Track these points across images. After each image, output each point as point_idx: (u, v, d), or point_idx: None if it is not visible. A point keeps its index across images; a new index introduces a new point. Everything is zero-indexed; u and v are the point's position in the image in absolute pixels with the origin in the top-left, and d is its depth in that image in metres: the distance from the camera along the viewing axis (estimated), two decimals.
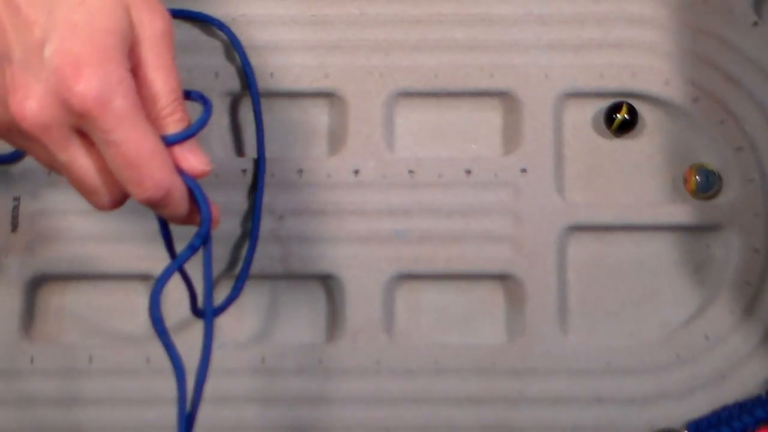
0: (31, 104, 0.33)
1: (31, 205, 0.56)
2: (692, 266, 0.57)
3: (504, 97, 0.58)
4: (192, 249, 0.40)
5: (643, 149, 0.58)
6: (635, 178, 0.57)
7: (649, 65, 0.56)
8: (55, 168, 0.37)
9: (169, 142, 0.36)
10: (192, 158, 0.37)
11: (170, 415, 0.54)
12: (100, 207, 0.38)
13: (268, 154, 0.57)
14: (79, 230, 0.55)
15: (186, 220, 0.39)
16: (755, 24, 0.57)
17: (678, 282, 0.57)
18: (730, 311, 0.55)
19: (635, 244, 0.57)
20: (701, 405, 0.54)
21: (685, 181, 0.56)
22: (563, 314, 0.56)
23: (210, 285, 0.42)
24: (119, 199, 0.38)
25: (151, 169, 0.35)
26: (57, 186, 0.56)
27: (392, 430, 0.54)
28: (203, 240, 0.40)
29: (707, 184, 0.55)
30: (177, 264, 0.40)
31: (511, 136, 0.58)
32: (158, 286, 0.40)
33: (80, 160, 0.36)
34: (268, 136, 0.57)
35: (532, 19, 0.58)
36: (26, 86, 0.33)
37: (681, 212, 0.56)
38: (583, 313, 0.57)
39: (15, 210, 0.55)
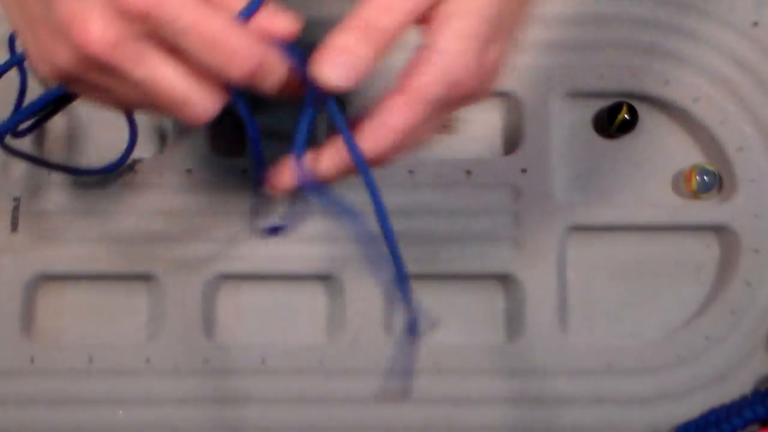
0: (94, 27, 0.31)
1: (31, 205, 0.56)
2: (692, 266, 0.57)
3: (504, 97, 0.58)
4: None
5: (643, 149, 0.58)
6: (635, 178, 0.57)
7: (649, 65, 0.56)
8: (141, 100, 0.34)
9: (244, 16, 0.33)
10: (275, 21, 0.33)
11: (170, 415, 0.55)
12: (199, 117, 0.34)
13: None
14: (79, 230, 0.55)
15: (290, 90, 0.36)
16: (755, 24, 0.57)
17: (678, 282, 0.57)
18: (731, 311, 0.55)
19: (635, 244, 0.57)
20: (701, 405, 0.54)
21: (686, 181, 0.56)
22: (563, 314, 0.56)
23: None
24: (215, 98, 0.34)
25: (234, 42, 0.32)
26: (57, 186, 0.56)
27: (392, 430, 0.54)
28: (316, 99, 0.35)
29: (707, 184, 0.55)
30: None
31: (511, 136, 0.58)
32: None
33: (161, 68, 0.33)
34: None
35: (532, 20, 0.57)
36: (82, 12, 0.32)
37: (681, 212, 0.56)
38: (583, 313, 0.57)
39: (15, 210, 0.55)
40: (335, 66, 0.32)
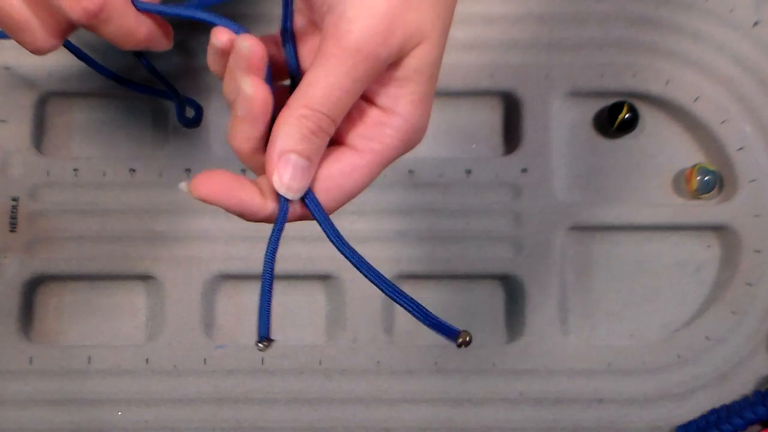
0: (46, 43, 0.34)
1: (30, 205, 0.55)
2: (693, 266, 0.57)
3: (504, 97, 0.58)
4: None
5: (643, 149, 0.58)
6: (635, 178, 0.57)
7: (649, 65, 0.56)
8: None
9: None
10: None
11: (169, 415, 0.55)
12: (35, 47, 0.35)
13: None
14: (78, 230, 0.55)
15: (145, 43, 0.35)
16: (755, 24, 0.57)
17: (678, 282, 0.57)
18: (731, 312, 0.55)
19: (635, 244, 0.57)
20: (702, 405, 0.54)
21: (686, 181, 0.56)
22: (563, 314, 0.56)
23: None
24: (54, 31, 0.34)
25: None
26: (56, 186, 0.56)
27: (392, 430, 0.54)
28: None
29: (708, 184, 0.55)
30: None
31: (511, 136, 0.58)
32: None
33: None
34: None
35: (532, 19, 0.57)
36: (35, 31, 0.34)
37: (681, 212, 0.56)
38: (583, 313, 0.57)
39: (13, 210, 0.55)
40: (290, 179, 0.31)
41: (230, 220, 0.56)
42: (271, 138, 0.31)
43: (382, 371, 0.55)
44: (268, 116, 0.32)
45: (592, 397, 0.55)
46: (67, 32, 0.35)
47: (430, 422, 0.55)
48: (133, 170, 0.56)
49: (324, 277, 0.56)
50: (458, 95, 0.58)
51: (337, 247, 0.34)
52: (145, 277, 0.56)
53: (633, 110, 0.56)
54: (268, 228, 0.55)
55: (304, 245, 0.55)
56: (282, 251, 0.55)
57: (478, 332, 0.56)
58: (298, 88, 0.31)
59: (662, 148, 0.58)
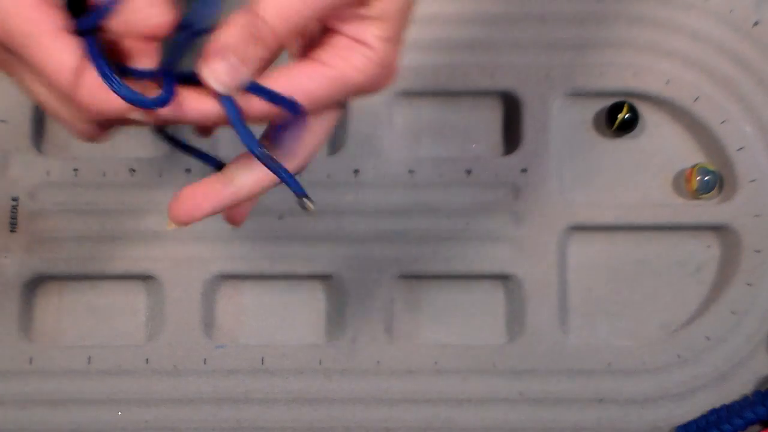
0: (84, 133, 0.33)
1: (30, 205, 0.55)
2: (693, 266, 0.57)
3: (504, 97, 0.58)
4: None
5: (643, 149, 0.58)
6: (635, 178, 0.57)
7: (649, 65, 0.56)
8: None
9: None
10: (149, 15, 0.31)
11: (169, 415, 0.54)
12: (82, 137, 0.34)
13: None
14: (78, 230, 0.55)
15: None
16: (755, 24, 0.57)
17: (678, 282, 0.57)
18: (731, 312, 0.55)
19: (635, 244, 0.57)
20: (702, 405, 0.54)
21: (687, 181, 0.56)
22: (563, 314, 0.56)
23: None
24: (90, 127, 0.34)
25: (82, 97, 0.31)
26: (56, 186, 0.56)
27: (392, 430, 0.54)
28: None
29: (708, 184, 0.55)
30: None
31: (511, 136, 0.58)
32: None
33: (33, 86, 0.34)
34: None
35: (532, 19, 0.57)
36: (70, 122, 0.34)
37: (681, 212, 0.56)
38: (583, 313, 0.57)
39: (13, 210, 0.55)
40: (220, 70, 0.31)
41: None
42: (213, 38, 0.31)
43: (382, 371, 0.55)
44: None
45: (592, 397, 0.54)
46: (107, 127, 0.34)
47: (430, 422, 0.54)
48: (133, 170, 0.56)
49: (324, 277, 0.56)
50: (458, 95, 0.58)
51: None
52: (145, 277, 0.56)
53: (633, 110, 0.56)
54: (267, 228, 0.55)
55: (304, 245, 0.55)
56: (282, 251, 0.56)
57: (478, 332, 0.56)
58: None
59: (662, 148, 0.57)
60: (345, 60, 0.33)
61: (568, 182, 0.57)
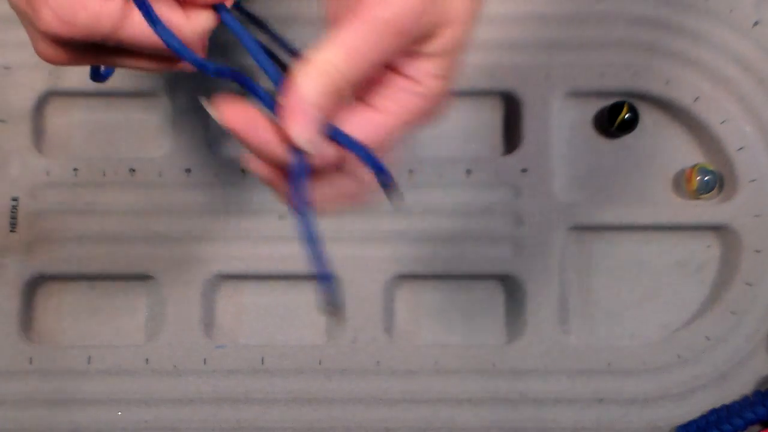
0: (42, 51, 0.34)
1: (30, 205, 0.55)
2: (693, 266, 0.57)
3: (504, 97, 0.58)
4: None
5: (643, 149, 0.58)
6: (635, 178, 0.57)
7: (649, 65, 0.56)
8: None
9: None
10: None
11: (169, 415, 0.55)
12: (38, 53, 0.35)
13: None
14: (78, 230, 0.55)
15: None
16: (755, 24, 0.57)
17: (678, 282, 0.57)
18: (731, 312, 0.55)
19: (635, 244, 0.57)
20: (702, 405, 0.54)
21: (687, 181, 0.56)
22: (563, 314, 0.56)
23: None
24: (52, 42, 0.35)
25: (153, 41, 0.33)
26: (56, 186, 0.56)
27: (392, 430, 0.54)
28: None
29: (708, 184, 0.55)
30: None
31: (511, 136, 0.58)
32: None
33: (127, 62, 0.35)
34: None
35: (532, 19, 0.57)
36: (32, 40, 0.34)
37: (681, 212, 0.56)
38: (583, 313, 0.57)
39: (13, 210, 0.55)
40: (303, 128, 0.31)
41: (230, 220, 0.56)
42: (289, 90, 0.31)
43: (382, 371, 0.55)
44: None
45: (592, 397, 0.55)
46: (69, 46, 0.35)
47: (430, 422, 0.54)
48: (133, 170, 0.56)
49: None
50: (458, 95, 0.58)
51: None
52: (145, 277, 0.56)
53: (633, 110, 0.56)
54: (266, 228, 0.55)
55: (304, 245, 0.55)
56: (282, 251, 0.56)
57: (478, 332, 0.56)
58: (323, 43, 0.31)
59: (662, 148, 0.57)
60: (399, 104, 0.33)
61: (568, 182, 0.57)
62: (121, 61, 0.35)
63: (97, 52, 0.34)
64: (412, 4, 0.31)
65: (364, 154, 0.32)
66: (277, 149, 0.32)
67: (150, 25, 0.32)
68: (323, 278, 0.33)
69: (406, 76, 0.33)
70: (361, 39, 0.31)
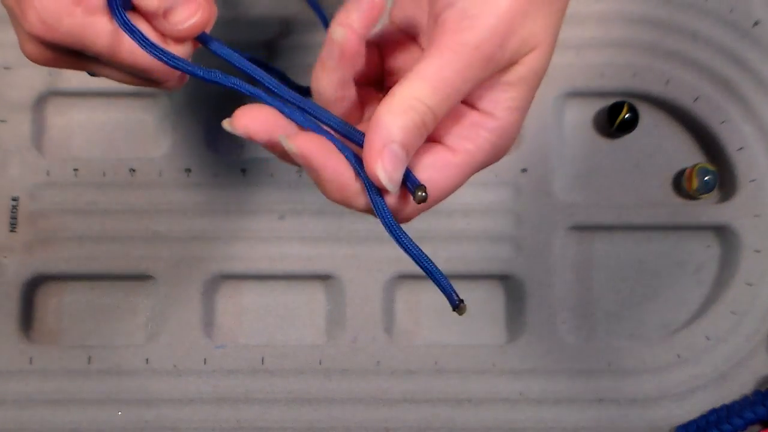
0: (26, 51, 0.35)
1: (30, 205, 0.55)
2: (692, 266, 0.57)
3: None
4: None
5: (643, 149, 0.58)
6: (635, 178, 0.57)
7: (649, 65, 0.56)
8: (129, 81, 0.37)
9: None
10: (180, 13, 0.33)
11: (169, 415, 0.54)
12: (164, 88, 0.36)
13: (268, 154, 0.57)
14: (78, 230, 0.55)
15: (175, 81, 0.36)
16: (755, 24, 0.57)
17: (678, 282, 0.57)
18: (731, 312, 0.55)
19: (635, 244, 0.57)
20: (702, 405, 0.54)
21: (687, 181, 0.56)
22: (563, 314, 0.56)
23: None
24: (170, 78, 0.35)
25: (147, 66, 0.33)
26: (56, 186, 0.56)
27: (392, 430, 0.54)
28: None
29: (708, 184, 0.55)
30: None
31: None
32: None
33: (105, 71, 0.35)
34: None
35: None
36: (19, 39, 0.35)
37: (681, 212, 0.56)
38: (583, 313, 0.57)
39: (13, 210, 0.55)
40: (390, 167, 0.30)
41: (230, 220, 0.56)
42: (373, 125, 0.29)
43: (382, 371, 0.55)
44: (356, 62, 0.31)
45: (592, 397, 0.55)
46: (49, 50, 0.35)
47: (430, 422, 0.54)
48: (133, 170, 0.56)
49: (324, 277, 0.56)
50: None
51: (403, 248, 0.32)
52: (145, 277, 0.56)
53: (633, 110, 0.56)
54: (266, 228, 0.55)
55: (304, 245, 0.55)
56: (282, 251, 0.56)
57: (478, 332, 0.56)
58: (406, 77, 0.30)
59: (662, 148, 0.57)
60: (476, 143, 0.31)
61: (568, 182, 0.57)
62: (101, 70, 0.35)
63: (80, 58, 0.34)
64: (499, 25, 0.29)
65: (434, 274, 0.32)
66: (350, 181, 0.30)
67: (144, 48, 0.32)
68: (441, 282, 0.33)
69: (480, 110, 0.31)
70: (448, 69, 0.29)
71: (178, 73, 0.35)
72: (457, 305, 0.32)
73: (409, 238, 0.32)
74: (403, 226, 0.33)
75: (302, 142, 0.30)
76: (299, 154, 0.30)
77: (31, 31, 0.32)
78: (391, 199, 0.32)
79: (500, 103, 0.31)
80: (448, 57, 0.29)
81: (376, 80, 0.35)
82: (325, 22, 0.45)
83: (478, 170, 0.33)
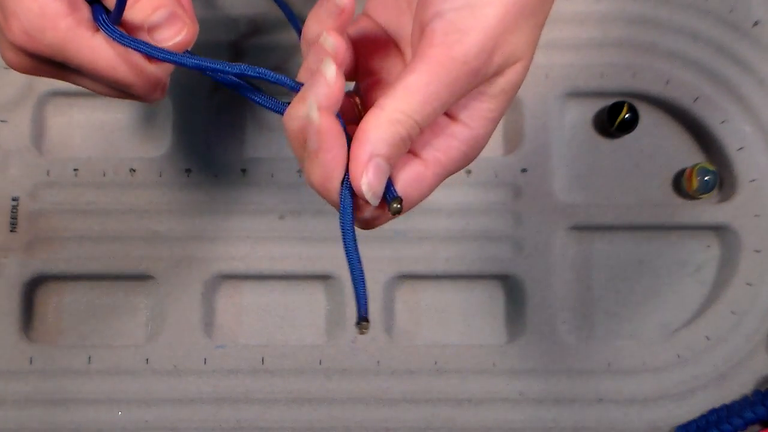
0: (7, 58, 0.34)
1: (30, 205, 0.55)
2: (692, 266, 0.57)
3: None
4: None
5: (643, 149, 0.58)
6: (635, 178, 0.57)
7: (649, 65, 0.56)
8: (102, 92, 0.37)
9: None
10: (165, 32, 0.34)
11: (169, 415, 0.54)
12: (143, 101, 0.37)
13: (268, 154, 0.57)
14: (78, 230, 0.55)
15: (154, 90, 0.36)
16: (755, 24, 0.57)
17: (678, 282, 0.57)
18: (731, 312, 0.55)
19: (635, 244, 0.57)
20: (702, 405, 0.54)
21: (687, 181, 0.56)
22: (563, 314, 0.56)
23: None
24: (150, 93, 0.35)
25: (128, 80, 0.34)
26: (56, 186, 0.56)
27: (392, 430, 0.54)
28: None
29: (708, 184, 0.55)
30: None
31: (511, 136, 0.58)
32: None
33: (84, 82, 0.35)
34: (267, 136, 0.57)
35: None
36: (0, 46, 0.35)
37: (681, 212, 0.56)
38: (583, 313, 0.57)
39: (13, 210, 0.55)
40: (373, 180, 0.30)
41: (230, 220, 0.56)
42: (358, 137, 0.30)
43: (382, 371, 0.55)
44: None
45: (592, 397, 0.55)
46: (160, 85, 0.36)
47: (430, 422, 0.54)
48: (133, 170, 0.56)
49: (324, 277, 0.56)
50: None
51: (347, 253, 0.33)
52: (145, 277, 0.56)
53: (633, 110, 0.56)
54: (266, 228, 0.55)
55: (304, 245, 0.55)
56: (282, 251, 0.56)
57: (478, 332, 0.56)
58: (393, 89, 0.30)
59: (662, 148, 0.57)
60: (448, 154, 0.31)
61: (568, 182, 0.57)
62: (81, 81, 0.35)
63: (61, 68, 0.35)
64: (486, 39, 0.29)
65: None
66: (339, 175, 0.31)
67: (128, 45, 0.33)
68: (360, 292, 0.33)
69: (456, 119, 0.32)
70: (436, 83, 0.29)
71: (158, 86, 0.36)
72: (360, 321, 0.32)
73: (356, 245, 0.33)
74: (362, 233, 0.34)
75: (328, 118, 0.30)
76: (320, 128, 0.29)
77: (14, 41, 0.33)
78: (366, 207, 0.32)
79: (477, 113, 0.31)
80: (437, 71, 0.29)
81: (348, 77, 0.35)
82: (296, 25, 0.47)
83: (445, 179, 0.33)
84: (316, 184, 0.31)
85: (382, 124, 0.29)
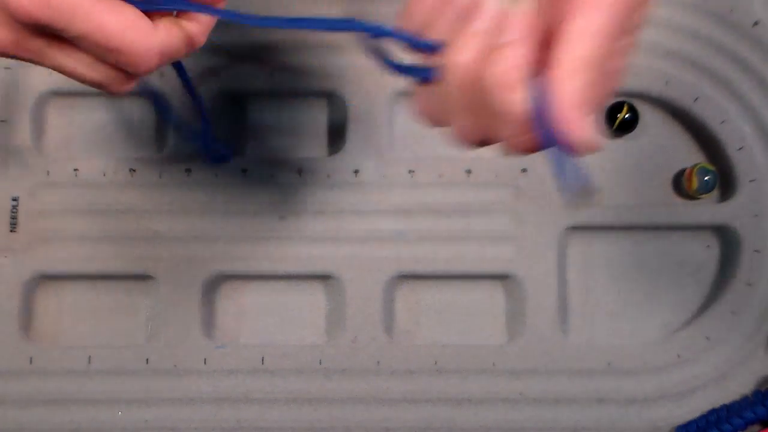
0: None
1: (30, 204, 0.55)
2: (692, 266, 0.57)
3: None
4: None
5: (643, 149, 0.58)
6: (635, 178, 0.57)
7: (649, 65, 0.56)
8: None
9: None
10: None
11: (169, 415, 0.54)
12: (116, 93, 0.37)
13: (268, 153, 0.57)
14: (78, 230, 0.55)
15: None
16: (755, 24, 0.57)
17: (678, 282, 0.57)
18: (731, 312, 0.55)
19: (635, 244, 0.57)
20: (702, 405, 0.54)
21: (686, 181, 0.56)
22: (563, 314, 0.56)
23: None
24: (128, 80, 0.36)
25: (133, 47, 0.33)
26: (56, 186, 0.56)
27: (392, 430, 0.54)
28: None
29: (707, 184, 0.55)
30: None
31: None
32: None
33: (66, 61, 0.35)
34: (267, 136, 0.57)
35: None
36: None
37: (681, 212, 0.56)
38: (583, 313, 0.57)
39: (13, 210, 0.55)
40: (583, 132, 0.30)
41: (230, 220, 0.56)
42: (555, 99, 0.30)
43: (382, 371, 0.55)
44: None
45: (592, 397, 0.55)
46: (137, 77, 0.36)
47: (430, 422, 0.54)
48: (133, 170, 0.56)
49: (324, 277, 0.56)
50: None
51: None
52: (145, 277, 0.56)
53: (633, 110, 0.56)
54: (266, 229, 0.55)
55: (304, 245, 0.55)
56: (282, 251, 0.56)
57: (478, 332, 0.56)
58: (563, 39, 0.30)
59: (662, 148, 0.57)
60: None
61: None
62: (65, 60, 0.35)
63: (48, 43, 0.34)
64: None
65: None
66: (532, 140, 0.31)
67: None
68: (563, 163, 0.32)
69: None
70: (606, 18, 0.29)
71: (159, 56, 0.35)
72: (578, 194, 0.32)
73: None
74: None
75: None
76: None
77: (20, 5, 0.32)
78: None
79: None
80: (604, 7, 0.29)
81: None
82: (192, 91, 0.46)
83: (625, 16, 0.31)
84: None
85: (572, 76, 0.30)
